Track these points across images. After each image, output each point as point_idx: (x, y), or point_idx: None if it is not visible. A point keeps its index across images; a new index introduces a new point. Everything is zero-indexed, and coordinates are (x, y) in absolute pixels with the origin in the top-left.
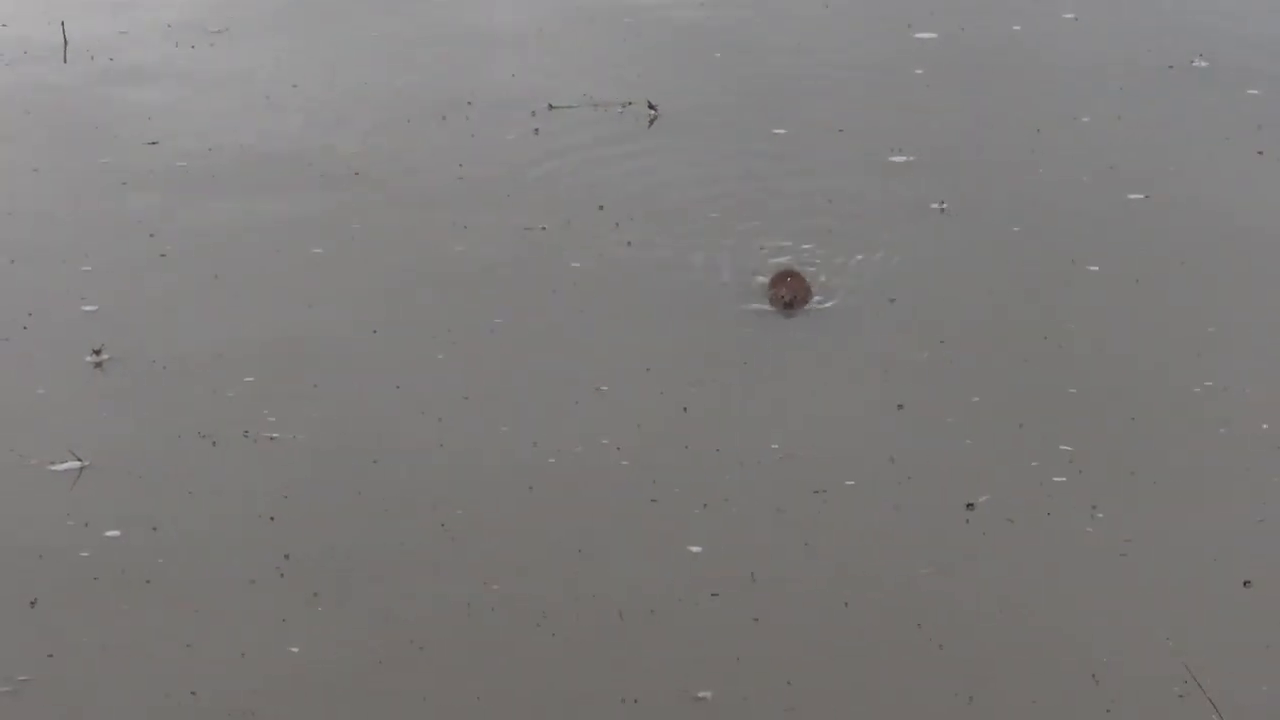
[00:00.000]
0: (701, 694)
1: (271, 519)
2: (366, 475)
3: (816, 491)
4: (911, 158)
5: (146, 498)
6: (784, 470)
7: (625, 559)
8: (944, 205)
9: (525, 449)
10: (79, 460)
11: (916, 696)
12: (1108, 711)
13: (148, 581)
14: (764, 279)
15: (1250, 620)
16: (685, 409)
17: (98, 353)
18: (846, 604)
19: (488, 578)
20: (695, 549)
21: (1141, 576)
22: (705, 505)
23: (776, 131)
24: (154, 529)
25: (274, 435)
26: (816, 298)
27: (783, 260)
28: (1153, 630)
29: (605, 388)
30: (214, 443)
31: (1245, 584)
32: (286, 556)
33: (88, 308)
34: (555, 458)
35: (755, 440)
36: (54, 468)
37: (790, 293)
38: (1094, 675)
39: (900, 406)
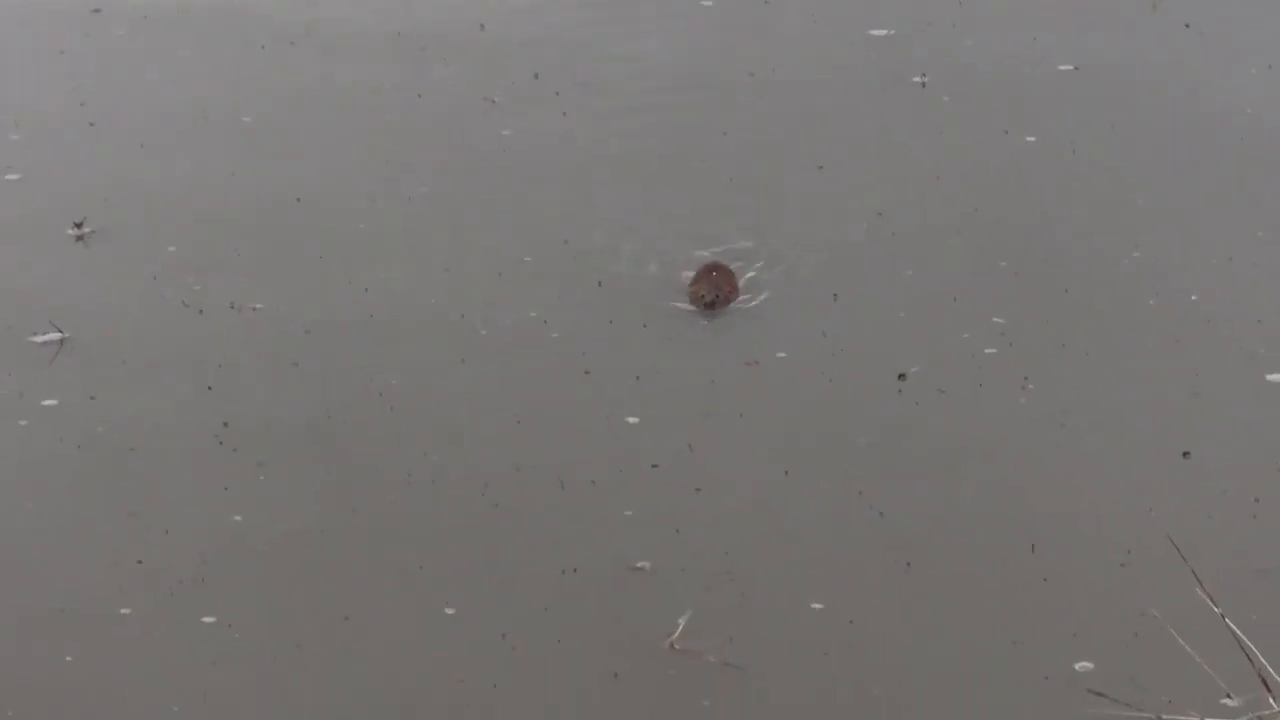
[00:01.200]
0: (640, 564)
1: (209, 389)
2: (299, 345)
3: (748, 364)
4: None
5: (89, 369)
6: (717, 342)
7: (563, 430)
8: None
9: (455, 320)
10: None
11: (855, 564)
12: (1045, 580)
13: (79, 447)
14: None
15: (1191, 491)
16: (599, 283)
17: None
18: (786, 473)
19: (426, 448)
20: (632, 420)
21: (1079, 448)
22: (638, 378)
23: None
24: (91, 398)
25: (202, 309)
26: None
27: None
28: (1092, 501)
29: (529, 259)
30: (142, 313)
31: (1185, 455)
32: (225, 425)
33: None
34: (486, 329)
35: (687, 310)
36: None
37: None
38: (1032, 545)
39: (835, 296)
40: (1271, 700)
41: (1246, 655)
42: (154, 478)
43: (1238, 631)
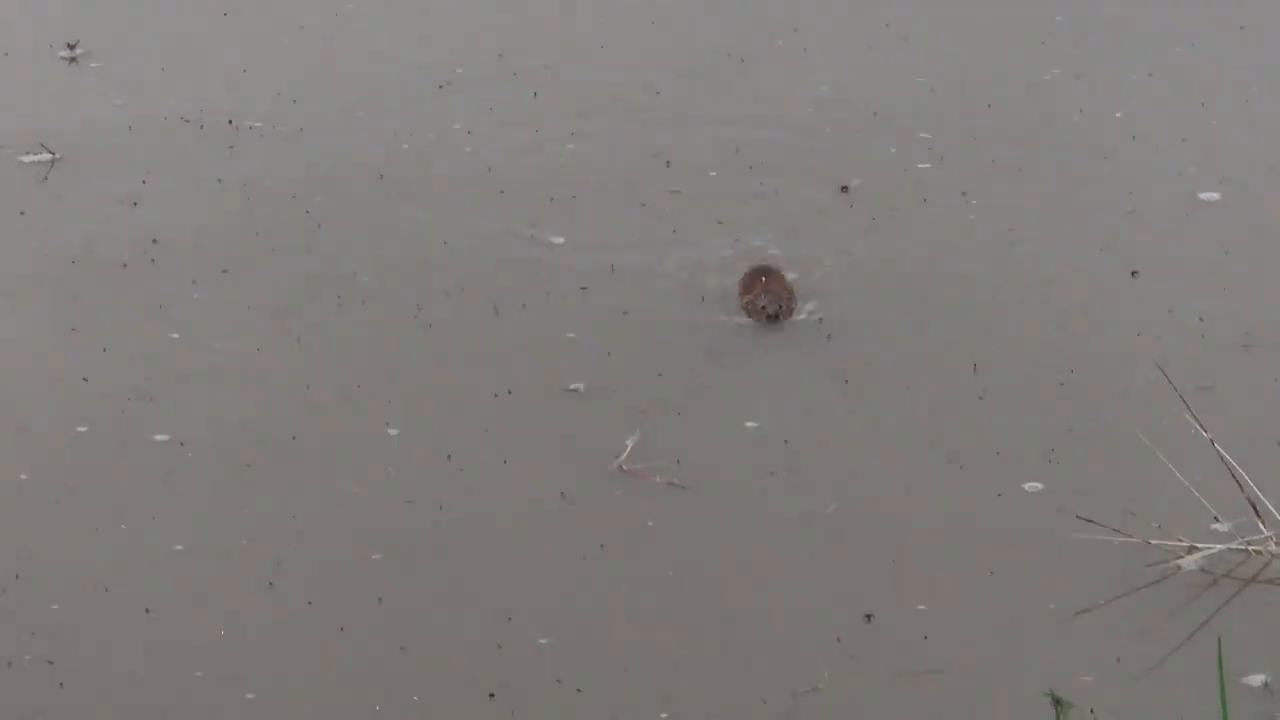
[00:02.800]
0: (574, 385)
1: (135, 204)
2: (223, 160)
3: (674, 192)
4: None
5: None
6: (643, 165)
7: (489, 251)
8: None
9: (381, 137)
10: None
11: (793, 379)
12: (980, 398)
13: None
14: None
15: (1138, 309)
16: (535, 94)
17: None
18: (707, 294)
19: (355, 269)
20: (557, 240)
21: (1028, 265)
22: (552, 199)
23: None
24: (21, 213)
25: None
26: None
27: None
28: (1035, 320)
29: (461, 70)
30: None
31: (1133, 274)
32: (155, 241)
33: None
34: (409, 144)
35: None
36: None
37: None
38: (974, 363)
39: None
40: (1261, 525)
41: (1237, 481)
42: (90, 294)
43: (1226, 456)
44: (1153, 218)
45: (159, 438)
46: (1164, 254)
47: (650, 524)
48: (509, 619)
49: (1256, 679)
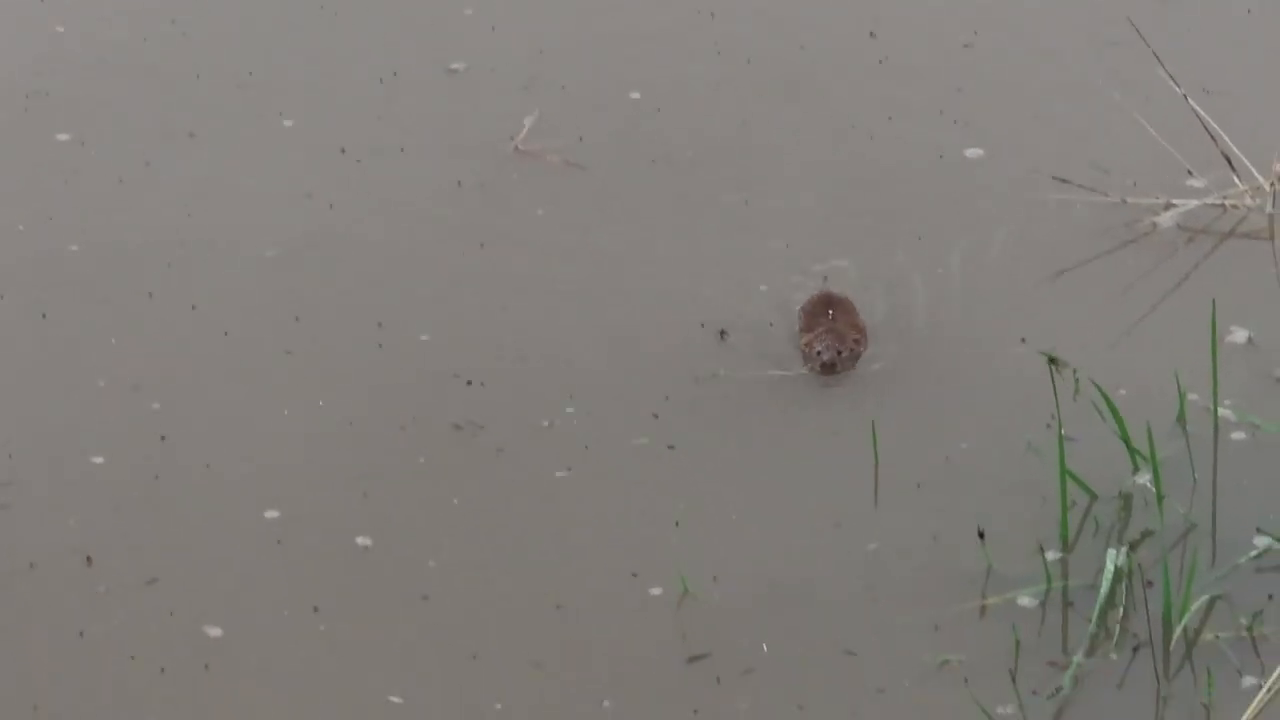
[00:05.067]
0: (454, 65)
1: None
2: None
3: None
4: None
5: None
6: None
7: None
8: None
9: None
10: None
11: (680, 57)
12: (881, 62)
13: None
14: None
15: None
16: None
17: None
18: None
19: None
20: None
21: None
22: None
23: None
24: None
25: None
26: None
27: None
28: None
29: None
30: None
31: None
32: None
33: None
34: None
35: None
36: None
37: None
38: (870, 31)
39: None
40: (1236, 179)
41: (1210, 135)
42: None
43: (1201, 112)
44: None
45: (60, 137)
46: None
47: (540, 213)
48: (392, 313)
49: (1240, 334)
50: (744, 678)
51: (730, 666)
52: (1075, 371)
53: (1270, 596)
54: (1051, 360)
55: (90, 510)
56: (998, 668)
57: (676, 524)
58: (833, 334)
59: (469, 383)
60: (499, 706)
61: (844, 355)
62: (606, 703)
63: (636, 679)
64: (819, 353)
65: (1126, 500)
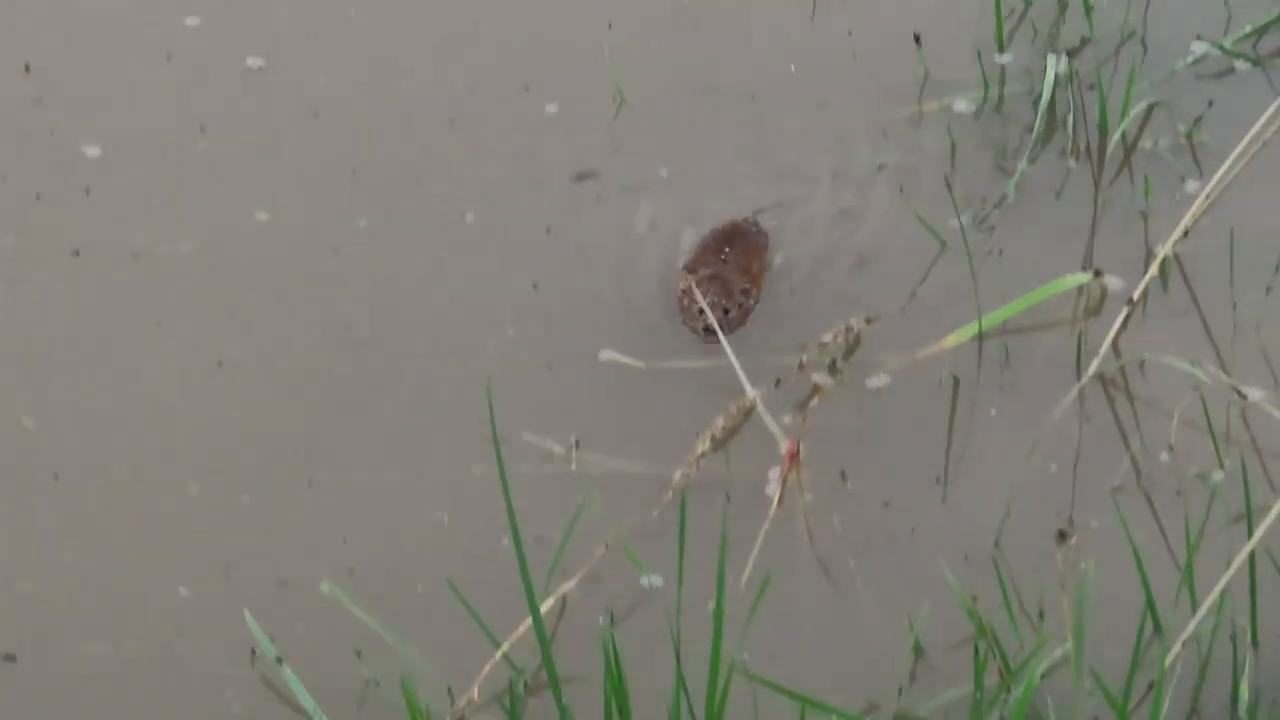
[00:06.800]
0: None
1: None
2: None
3: None
4: None
5: None
6: None
7: None
8: None
9: None
10: None
11: None
12: None
13: None
14: None
15: None
16: None
17: None
18: None
19: None
20: None
21: None
22: None
23: None
24: None
25: None
26: None
27: None
28: None
29: None
30: None
31: None
32: None
33: None
34: None
35: None
36: None
37: None
38: None
39: None
40: None
41: None
42: None
43: None
44: None
45: None
46: None
47: None
48: None
49: None
50: (625, 194)
51: (616, 186)
52: None
53: (1210, 103)
54: None
55: None
56: (934, 174)
57: (610, 26)
58: (718, 281)
59: None
60: (363, 223)
61: (730, 315)
62: (469, 217)
63: (507, 194)
64: (700, 311)
65: (1063, 5)
